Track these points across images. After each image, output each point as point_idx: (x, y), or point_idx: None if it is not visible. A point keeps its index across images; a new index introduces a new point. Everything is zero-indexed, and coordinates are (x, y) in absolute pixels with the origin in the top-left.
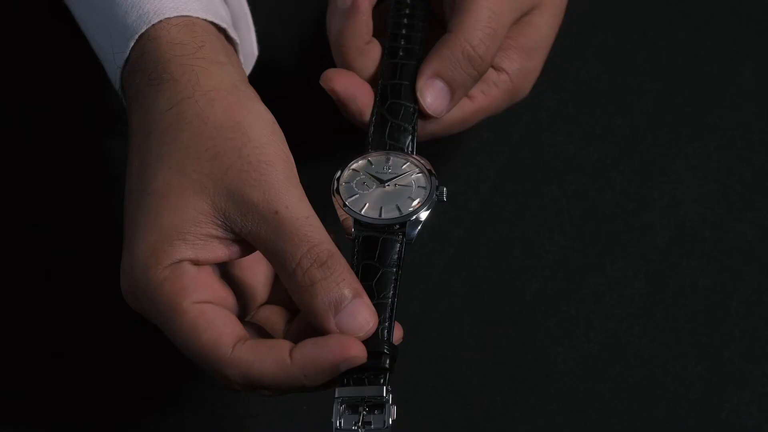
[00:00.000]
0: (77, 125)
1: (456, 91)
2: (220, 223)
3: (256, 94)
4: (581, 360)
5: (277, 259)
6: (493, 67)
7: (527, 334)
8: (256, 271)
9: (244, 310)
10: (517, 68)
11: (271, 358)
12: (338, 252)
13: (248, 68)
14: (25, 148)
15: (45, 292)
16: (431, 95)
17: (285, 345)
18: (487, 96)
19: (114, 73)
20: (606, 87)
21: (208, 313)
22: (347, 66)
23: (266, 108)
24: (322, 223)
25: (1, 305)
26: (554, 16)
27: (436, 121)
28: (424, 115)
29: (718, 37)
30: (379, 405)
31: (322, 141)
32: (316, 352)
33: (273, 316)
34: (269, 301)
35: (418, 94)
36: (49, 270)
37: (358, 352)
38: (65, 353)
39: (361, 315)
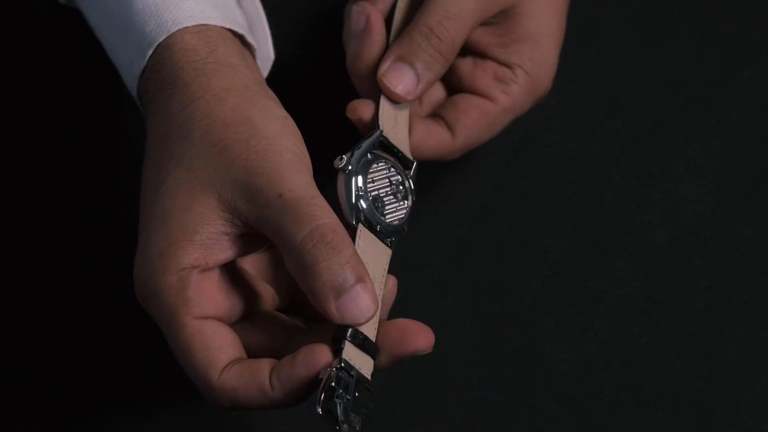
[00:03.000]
0: (96, 130)
1: (421, 75)
2: (227, 216)
3: (270, 94)
4: (581, 360)
5: (281, 240)
6: (506, 66)
7: (527, 334)
8: (275, 274)
9: (253, 310)
10: (528, 59)
11: (253, 384)
12: (344, 232)
13: (265, 71)
14: (42, 151)
15: (58, 293)
16: (394, 75)
17: (265, 369)
18: (508, 95)
19: (131, 80)
20: (607, 87)
21: (205, 333)
22: (363, 87)
23: (279, 105)
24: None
25: (15, 307)
26: (548, 1)
27: (464, 132)
28: (393, 101)
29: (719, 38)
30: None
31: (338, 141)
32: (289, 374)
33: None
34: (290, 308)
35: (382, 79)
36: (61, 269)
37: (328, 357)
38: (79, 352)
39: (362, 302)
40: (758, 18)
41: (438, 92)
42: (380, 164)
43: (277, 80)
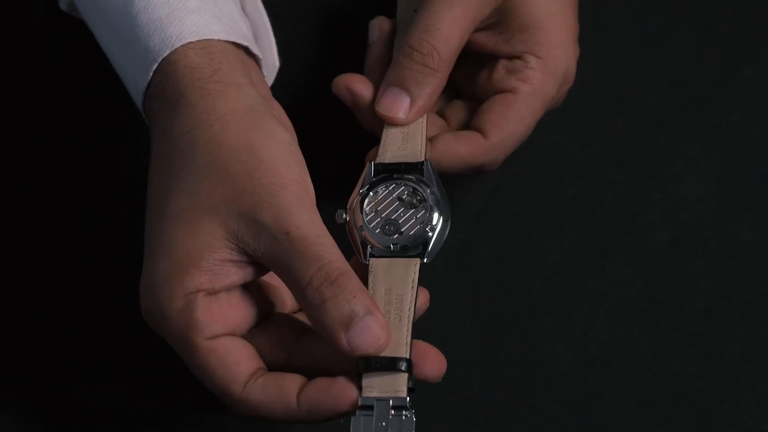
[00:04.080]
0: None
1: (414, 92)
2: (233, 245)
3: (276, 112)
4: (581, 360)
5: (289, 278)
6: (516, 57)
7: (527, 334)
8: None
9: (265, 315)
10: (533, 44)
11: (279, 401)
12: (350, 270)
13: (270, 79)
14: (42, 152)
15: (58, 294)
16: (386, 101)
17: (292, 386)
18: (526, 81)
19: (136, 96)
20: (608, 87)
21: (219, 351)
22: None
23: (284, 128)
24: None
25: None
26: None
27: (493, 128)
28: (397, 125)
29: (720, 38)
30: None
31: (343, 146)
32: (320, 399)
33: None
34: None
35: (377, 108)
36: (62, 270)
37: (355, 396)
38: (79, 353)
39: (371, 332)
40: (759, 18)
41: (464, 113)
42: (380, 189)
43: (281, 86)
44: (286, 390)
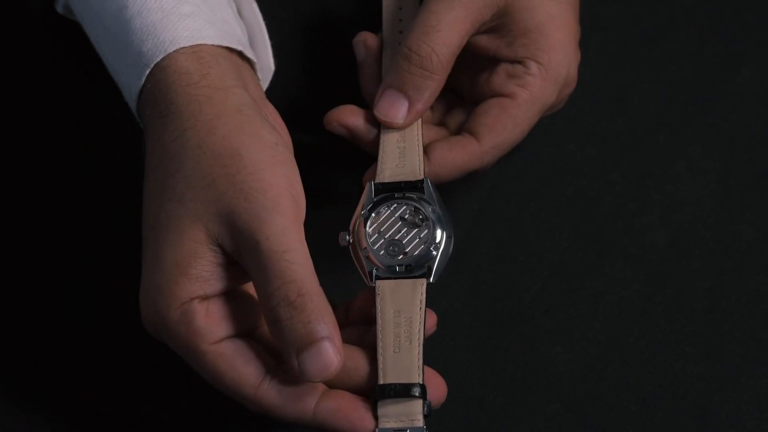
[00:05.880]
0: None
1: (412, 96)
2: (216, 248)
3: (267, 110)
4: (581, 361)
5: (255, 288)
6: (517, 62)
7: (527, 334)
8: None
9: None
10: (535, 49)
11: (294, 407)
12: (313, 290)
13: (266, 83)
14: (40, 153)
15: (57, 295)
16: (384, 105)
17: (309, 396)
18: (525, 87)
19: (131, 102)
20: (607, 87)
21: (226, 354)
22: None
23: (271, 129)
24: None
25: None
26: None
27: (487, 133)
28: (395, 128)
29: (719, 38)
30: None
31: (338, 149)
32: (336, 419)
33: None
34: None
35: (375, 112)
36: (61, 271)
37: (371, 426)
38: (79, 354)
39: (322, 358)
40: (759, 18)
41: (462, 118)
42: (382, 210)
43: (278, 89)
44: (302, 397)
